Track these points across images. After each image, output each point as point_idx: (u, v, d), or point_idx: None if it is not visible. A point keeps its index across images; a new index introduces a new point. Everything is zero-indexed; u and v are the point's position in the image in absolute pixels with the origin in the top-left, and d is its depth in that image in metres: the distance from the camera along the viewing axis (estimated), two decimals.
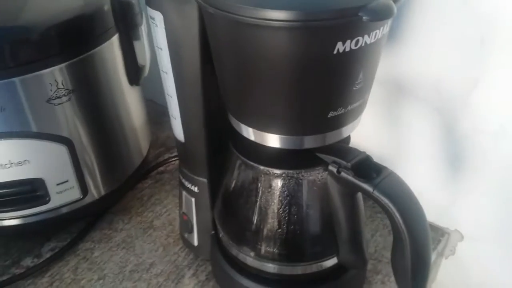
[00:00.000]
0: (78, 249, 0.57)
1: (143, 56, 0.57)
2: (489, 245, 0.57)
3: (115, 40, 0.52)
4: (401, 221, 0.36)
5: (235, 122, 0.40)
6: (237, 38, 0.32)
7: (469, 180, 0.54)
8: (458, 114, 0.51)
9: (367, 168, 0.38)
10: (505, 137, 0.49)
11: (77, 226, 0.60)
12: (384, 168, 0.38)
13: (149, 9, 0.38)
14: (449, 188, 0.57)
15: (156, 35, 0.39)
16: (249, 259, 0.46)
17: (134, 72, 0.56)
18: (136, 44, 0.55)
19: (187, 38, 0.37)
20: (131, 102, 0.58)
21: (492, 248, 0.57)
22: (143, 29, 0.55)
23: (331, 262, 0.45)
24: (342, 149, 0.40)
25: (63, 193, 0.53)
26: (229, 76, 0.37)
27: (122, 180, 0.60)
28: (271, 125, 0.37)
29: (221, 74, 0.37)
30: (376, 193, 0.36)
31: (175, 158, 0.71)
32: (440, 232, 0.59)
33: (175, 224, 0.60)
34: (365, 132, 0.56)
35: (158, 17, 0.37)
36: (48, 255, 0.56)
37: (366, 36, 0.31)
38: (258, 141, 0.38)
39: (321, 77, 0.32)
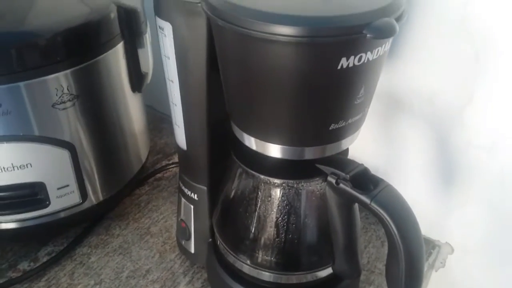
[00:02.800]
0: (75, 254, 0.57)
1: (147, 63, 0.58)
2: (479, 258, 0.58)
3: (120, 47, 0.53)
4: (396, 232, 0.37)
5: (237, 131, 0.41)
6: (244, 51, 0.33)
7: (461, 193, 0.55)
8: (452, 128, 0.52)
9: (365, 180, 0.39)
10: (498, 152, 0.50)
11: (74, 231, 0.60)
12: (381, 180, 0.39)
13: (158, 19, 0.39)
14: (441, 201, 0.58)
15: (164, 45, 0.40)
16: (245, 267, 0.46)
17: (137, 79, 0.57)
18: (140, 51, 0.56)
19: (195, 48, 0.38)
20: (132, 109, 0.59)
21: (482, 262, 0.58)
22: (147, 37, 0.56)
23: (326, 272, 0.46)
24: (341, 161, 0.40)
25: (63, 198, 0.53)
26: (235, 87, 0.37)
27: (120, 185, 0.61)
28: (274, 135, 0.38)
29: (227, 85, 0.38)
30: (373, 205, 0.37)
31: (172, 165, 0.72)
32: (431, 245, 0.60)
33: (172, 231, 0.61)
34: (361, 145, 0.57)
35: (167, 27, 0.38)
36: (44, 259, 0.56)
37: (369, 53, 0.32)
38: (259, 150, 0.39)
39: (325, 91, 0.33)
